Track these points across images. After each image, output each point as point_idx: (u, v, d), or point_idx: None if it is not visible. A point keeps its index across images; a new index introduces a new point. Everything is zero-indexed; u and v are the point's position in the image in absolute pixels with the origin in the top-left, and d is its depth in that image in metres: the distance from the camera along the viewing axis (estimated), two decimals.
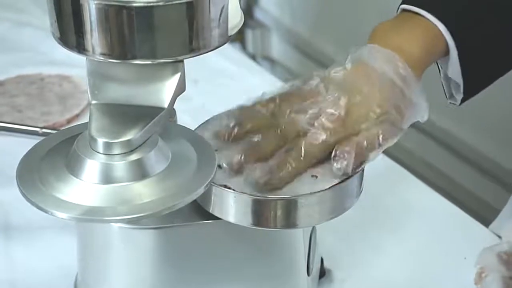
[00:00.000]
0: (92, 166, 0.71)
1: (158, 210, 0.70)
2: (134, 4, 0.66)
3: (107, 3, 0.66)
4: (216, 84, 1.30)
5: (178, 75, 0.71)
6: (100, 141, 0.70)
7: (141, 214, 0.69)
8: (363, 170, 0.79)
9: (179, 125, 0.81)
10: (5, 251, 0.99)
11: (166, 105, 0.72)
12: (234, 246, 0.81)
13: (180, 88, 0.72)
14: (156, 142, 0.72)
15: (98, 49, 0.68)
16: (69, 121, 1.23)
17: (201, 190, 0.72)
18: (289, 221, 0.77)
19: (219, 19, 0.69)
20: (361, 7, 1.73)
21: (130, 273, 0.82)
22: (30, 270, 0.97)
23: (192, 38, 0.68)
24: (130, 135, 0.70)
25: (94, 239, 0.83)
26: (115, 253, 0.82)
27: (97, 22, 0.67)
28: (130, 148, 0.71)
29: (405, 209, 1.04)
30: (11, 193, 1.08)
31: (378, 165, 1.09)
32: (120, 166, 0.70)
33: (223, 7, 0.69)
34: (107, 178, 0.70)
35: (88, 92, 0.73)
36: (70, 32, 0.68)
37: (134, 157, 0.71)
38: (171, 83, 0.72)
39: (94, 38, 0.67)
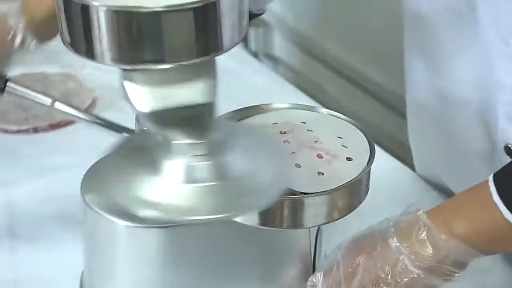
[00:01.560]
0: (175, 167, 0.71)
1: (240, 212, 0.71)
2: (143, 10, 0.65)
3: (115, 9, 0.66)
4: (219, 82, 1.30)
5: (215, 69, 0.73)
6: (184, 143, 0.70)
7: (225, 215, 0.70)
8: (370, 171, 0.79)
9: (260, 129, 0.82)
10: (11, 251, 1.00)
11: (213, 99, 0.73)
12: (241, 245, 0.81)
13: (216, 79, 0.73)
14: (235, 145, 0.73)
15: (107, 55, 0.68)
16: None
17: (278, 195, 0.71)
18: (296, 221, 0.77)
19: (228, 22, 0.69)
20: (364, 6, 1.73)
21: (136, 271, 0.83)
22: (35, 269, 0.97)
23: (201, 43, 0.69)
24: (209, 135, 0.71)
25: (100, 238, 0.83)
26: (121, 252, 0.82)
27: (106, 28, 0.67)
28: (212, 148, 0.71)
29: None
30: (16, 192, 1.09)
31: (385, 165, 1.09)
32: (202, 167, 0.71)
33: (232, 11, 0.70)
34: (191, 178, 0.71)
35: (134, 101, 0.73)
36: (80, 38, 0.68)
37: (215, 158, 0.71)
38: (210, 77, 0.72)
39: (104, 44, 0.68)
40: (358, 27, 1.70)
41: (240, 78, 1.33)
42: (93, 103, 1.27)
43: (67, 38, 0.69)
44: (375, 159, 0.80)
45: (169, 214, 0.70)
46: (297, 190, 0.76)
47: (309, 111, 0.87)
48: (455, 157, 1.00)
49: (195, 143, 0.71)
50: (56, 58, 1.35)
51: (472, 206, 0.78)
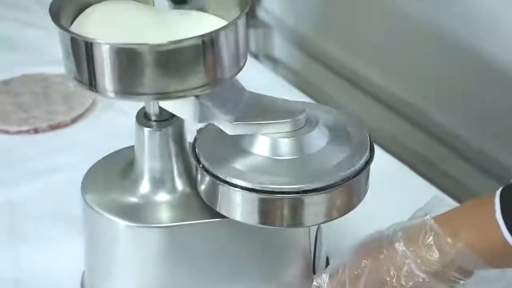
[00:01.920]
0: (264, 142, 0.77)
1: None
2: (145, 47, 0.70)
3: (119, 46, 0.70)
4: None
5: None
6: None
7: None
8: (369, 169, 0.79)
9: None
10: (12, 250, 1.00)
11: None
12: (241, 244, 0.82)
13: None
14: (318, 122, 0.79)
15: (110, 88, 0.71)
16: (73, 120, 1.24)
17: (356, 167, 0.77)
18: (296, 220, 0.77)
19: (229, 54, 0.73)
20: (365, 7, 1.73)
21: (137, 271, 0.83)
22: (36, 269, 0.97)
23: (202, 75, 0.73)
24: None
25: (101, 237, 0.84)
26: (122, 251, 0.82)
27: (109, 63, 0.70)
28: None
29: (411, 208, 1.04)
30: (16, 192, 1.09)
31: (384, 164, 1.09)
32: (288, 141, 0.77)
33: (232, 43, 0.74)
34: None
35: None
36: (84, 72, 0.72)
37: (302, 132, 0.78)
38: None
39: (107, 78, 0.71)
40: (359, 28, 1.70)
41: (240, 79, 1.33)
42: (93, 104, 1.27)
43: (73, 71, 0.73)
44: (374, 158, 0.80)
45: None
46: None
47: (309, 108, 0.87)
48: None
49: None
50: (56, 59, 1.36)
51: (476, 220, 0.78)
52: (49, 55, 1.38)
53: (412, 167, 1.17)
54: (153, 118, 0.81)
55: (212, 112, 0.76)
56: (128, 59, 0.70)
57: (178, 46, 0.71)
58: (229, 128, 0.77)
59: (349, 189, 0.78)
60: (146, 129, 0.80)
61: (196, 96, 0.75)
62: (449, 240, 0.77)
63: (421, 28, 1.43)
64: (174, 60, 0.71)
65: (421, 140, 1.70)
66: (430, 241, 0.78)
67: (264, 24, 2.05)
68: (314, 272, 0.86)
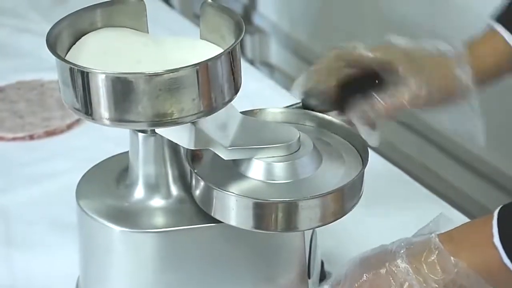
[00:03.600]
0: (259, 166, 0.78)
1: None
2: (142, 76, 0.70)
3: (116, 75, 0.70)
4: None
5: None
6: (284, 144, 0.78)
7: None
8: (363, 173, 0.80)
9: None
10: (7, 256, 1.00)
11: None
12: (235, 249, 0.82)
13: None
14: (311, 145, 0.80)
15: (107, 116, 0.72)
16: (69, 126, 1.24)
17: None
18: (290, 224, 0.77)
19: (225, 80, 0.74)
20: (360, 13, 1.73)
21: (132, 276, 0.83)
22: (31, 274, 0.97)
23: (198, 102, 0.73)
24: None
25: (95, 243, 0.84)
26: (117, 256, 0.82)
27: (106, 92, 0.71)
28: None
29: (405, 212, 1.04)
30: (12, 199, 1.09)
31: (379, 168, 1.10)
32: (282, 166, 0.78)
33: (227, 70, 0.74)
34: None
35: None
36: (80, 101, 0.73)
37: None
38: None
39: (103, 107, 0.72)
40: (354, 33, 1.70)
41: None
42: None
43: (71, 101, 0.74)
44: (369, 163, 0.80)
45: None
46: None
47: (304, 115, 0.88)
48: None
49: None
50: (51, 66, 1.36)
51: (476, 242, 0.79)
52: (44, 61, 1.37)
53: (407, 171, 1.17)
54: None
55: (208, 137, 0.77)
56: (123, 88, 0.71)
57: (173, 75, 0.71)
58: (224, 153, 0.78)
59: (343, 193, 0.78)
60: (140, 135, 0.80)
61: (192, 122, 0.75)
62: (452, 259, 0.77)
63: (418, 33, 1.43)
64: (169, 89, 0.71)
65: (415, 144, 1.70)
66: (434, 259, 0.78)
67: (260, 30, 2.06)
68: (309, 276, 0.86)
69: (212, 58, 0.73)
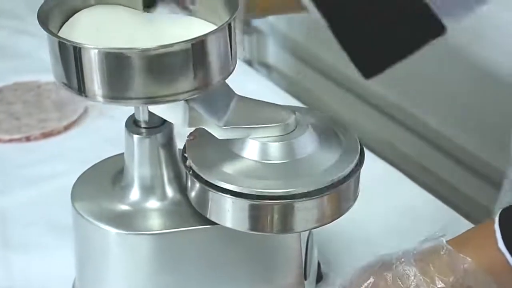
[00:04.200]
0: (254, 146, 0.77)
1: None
2: (134, 51, 0.69)
3: (107, 50, 0.69)
4: None
5: None
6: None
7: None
8: (359, 174, 0.79)
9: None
10: (3, 259, 0.99)
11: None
12: (231, 251, 0.81)
13: None
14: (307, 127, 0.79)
15: (99, 92, 0.71)
16: (66, 127, 1.23)
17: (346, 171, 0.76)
18: (286, 226, 0.77)
19: (218, 59, 0.73)
20: None
21: (128, 278, 0.82)
22: (27, 277, 0.97)
23: (191, 79, 0.72)
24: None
25: (92, 244, 0.83)
26: (113, 258, 0.82)
27: (98, 67, 0.70)
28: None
29: (402, 212, 1.04)
30: (9, 200, 1.09)
31: (375, 168, 1.09)
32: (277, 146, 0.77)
33: (221, 48, 0.74)
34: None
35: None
36: (73, 77, 0.71)
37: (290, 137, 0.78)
38: None
39: (96, 83, 0.71)
40: None
41: (234, 86, 1.33)
42: (86, 111, 1.27)
43: (61, 77, 0.72)
44: (365, 163, 0.80)
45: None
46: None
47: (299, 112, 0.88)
48: None
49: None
50: (49, 67, 1.36)
51: (480, 246, 0.79)
52: (41, 62, 1.37)
53: (405, 172, 1.16)
54: (142, 125, 0.81)
55: (202, 116, 0.76)
56: (117, 63, 0.70)
57: (167, 50, 0.70)
58: (218, 132, 0.77)
59: (339, 194, 0.78)
60: (135, 136, 0.80)
61: (186, 101, 0.75)
62: (461, 257, 0.77)
63: None
64: (163, 64, 0.71)
65: (414, 145, 1.70)
66: (442, 260, 0.78)
67: (257, 31, 2.05)
68: (305, 278, 0.86)
69: (207, 33, 0.72)
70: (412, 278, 0.78)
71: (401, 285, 0.78)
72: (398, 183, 1.12)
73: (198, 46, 0.72)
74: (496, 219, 0.78)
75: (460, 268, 0.77)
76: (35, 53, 1.40)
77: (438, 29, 1.02)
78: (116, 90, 0.72)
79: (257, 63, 2.08)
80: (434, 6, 1.00)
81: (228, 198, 0.76)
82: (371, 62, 1.04)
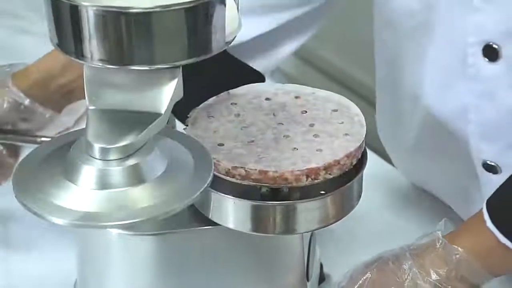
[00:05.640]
0: (88, 172, 0.69)
1: (154, 215, 0.68)
2: (132, 10, 0.65)
3: (105, 9, 0.66)
4: None
5: (175, 81, 0.71)
6: (97, 146, 0.69)
7: (137, 220, 0.67)
8: (362, 175, 0.79)
9: (176, 130, 0.81)
10: (4, 259, 1.00)
11: (163, 110, 0.71)
12: (233, 252, 0.81)
13: (177, 94, 0.72)
14: (153, 148, 0.71)
15: (96, 55, 0.68)
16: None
17: (197, 196, 0.70)
18: (288, 227, 0.77)
19: (217, 25, 0.69)
20: (361, 13, 1.73)
21: (129, 279, 0.82)
22: (28, 277, 0.97)
23: (190, 44, 0.68)
24: (126, 141, 0.69)
25: (93, 245, 0.83)
26: (114, 259, 0.82)
27: (95, 28, 0.67)
28: (127, 153, 0.69)
29: (405, 214, 1.04)
30: (9, 200, 1.09)
31: (378, 170, 1.09)
32: (117, 171, 0.69)
33: (220, 13, 0.69)
34: (104, 183, 0.69)
35: (86, 97, 0.72)
36: (69, 39, 0.68)
37: (130, 162, 0.69)
38: (169, 88, 0.71)
39: (92, 44, 0.67)
40: (353, 34, 1.70)
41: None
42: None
43: (55, 38, 0.69)
44: (368, 164, 0.80)
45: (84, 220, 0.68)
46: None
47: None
48: (441, 170, 1.01)
49: (105, 147, 0.69)
50: None
51: (472, 230, 0.81)
52: None
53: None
54: None
55: None
56: (113, 23, 0.66)
57: (166, 10, 0.66)
58: None
59: (342, 195, 0.77)
60: None
61: None
62: (454, 252, 0.79)
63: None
64: (160, 26, 0.66)
65: None
66: (437, 253, 0.79)
67: None
68: (308, 279, 0.85)
69: None
70: (408, 272, 0.79)
71: (398, 279, 0.79)
72: (399, 182, 1.12)
73: (202, 8, 0.67)
74: (484, 205, 0.80)
75: (452, 259, 0.79)
76: (37, 52, 1.40)
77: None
78: (112, 52, 0.67)
79: None
80: None
81: (230, 199, 0.75)
82: None
